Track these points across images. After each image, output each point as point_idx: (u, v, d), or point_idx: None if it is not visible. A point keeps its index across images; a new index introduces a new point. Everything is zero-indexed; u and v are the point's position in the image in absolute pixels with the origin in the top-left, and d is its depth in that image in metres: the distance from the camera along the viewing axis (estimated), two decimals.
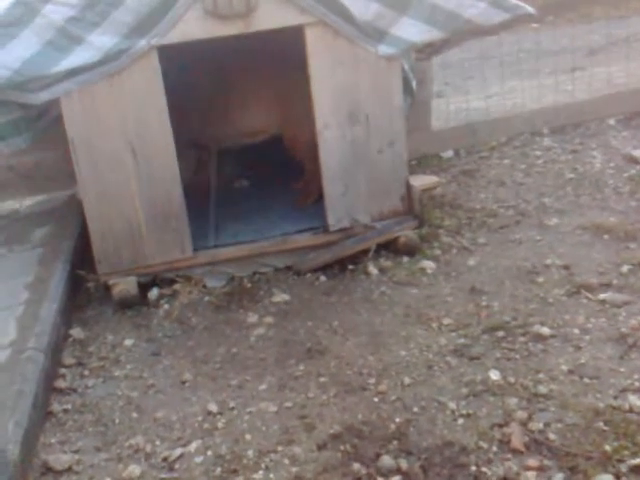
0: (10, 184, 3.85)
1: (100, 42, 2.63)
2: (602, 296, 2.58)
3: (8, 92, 2.63)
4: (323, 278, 3.00)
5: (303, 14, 2.76)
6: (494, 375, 2.23)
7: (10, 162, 3.74)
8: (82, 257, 3.17)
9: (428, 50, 3.45)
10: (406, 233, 3.07)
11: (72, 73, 2.64)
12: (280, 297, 2.88)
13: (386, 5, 2.82)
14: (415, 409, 2.13)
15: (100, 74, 2.68)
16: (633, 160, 3.75)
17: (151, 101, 2.77)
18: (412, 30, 2.85)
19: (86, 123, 2.75)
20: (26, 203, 3.98)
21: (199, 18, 2.70)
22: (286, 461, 2.00)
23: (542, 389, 2.13)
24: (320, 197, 3.11)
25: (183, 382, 2.42)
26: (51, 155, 3.67)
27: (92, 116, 2.75)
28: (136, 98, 2.76)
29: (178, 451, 2.09)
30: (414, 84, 3.43)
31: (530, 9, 2.96)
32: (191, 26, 2.70)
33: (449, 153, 4.26)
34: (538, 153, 4.08)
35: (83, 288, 3.04)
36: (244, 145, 3.59)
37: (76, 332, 2.78)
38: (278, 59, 3.25)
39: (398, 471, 1.90)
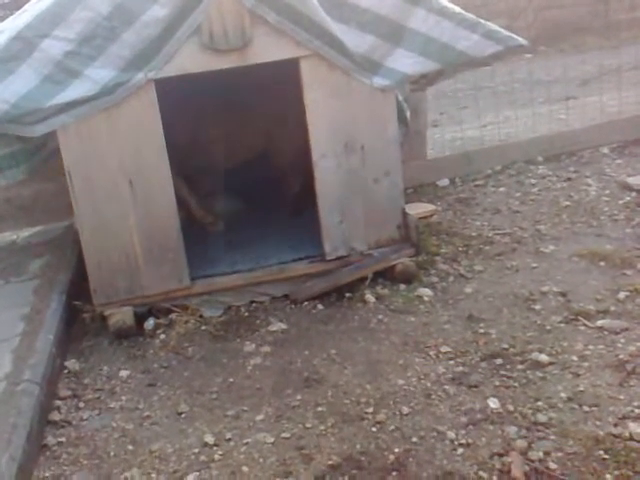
0: (7, 216, 3.86)
1: (97, 75, 2.66)
2: (600, 323, 2.57)
3: (5, 125, 2.66)
4: (320, 306, 2.99)
5: (298, 47, 2.81)
6: (493, 403, 2.21)
7: (7, 194, 3.76)
8: (78, 288, 3.16)
9: (422, 81, 3.49)
10: (403, 261, 3.07)
11: (69, 106, 2.66)
12: (277, 326, 2.87)
13: (380, 37, 2.87)
14: (414, 439, 2.11)
15: (97, 107, 2.71)
16: (628, 187, 3.78)
17: (148, 133, 2.80)
18: (406, 62, 2.90)
19: (83, 156, 2.77)
20: (23, 234, 3.99)
21: (196, 52, 2.74)
22: None
23: (541, 417, 2.12)
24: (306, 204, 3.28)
25: (179, 413, 2.39)
26: (48, 187, 3.69)
27: (89, 149, 2.76)
28: (133, 131, 2.78)
29: None
30: (408, 114, 3.46)
31: (522, 40, 3.01)
32: (188, 59, 2.74)
33: (445, 181, 4.29)
34: (533, 181, 4.11)
35: (79, 319, 3.02)
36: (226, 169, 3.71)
37: (71, 363, 2.76)
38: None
39: None
